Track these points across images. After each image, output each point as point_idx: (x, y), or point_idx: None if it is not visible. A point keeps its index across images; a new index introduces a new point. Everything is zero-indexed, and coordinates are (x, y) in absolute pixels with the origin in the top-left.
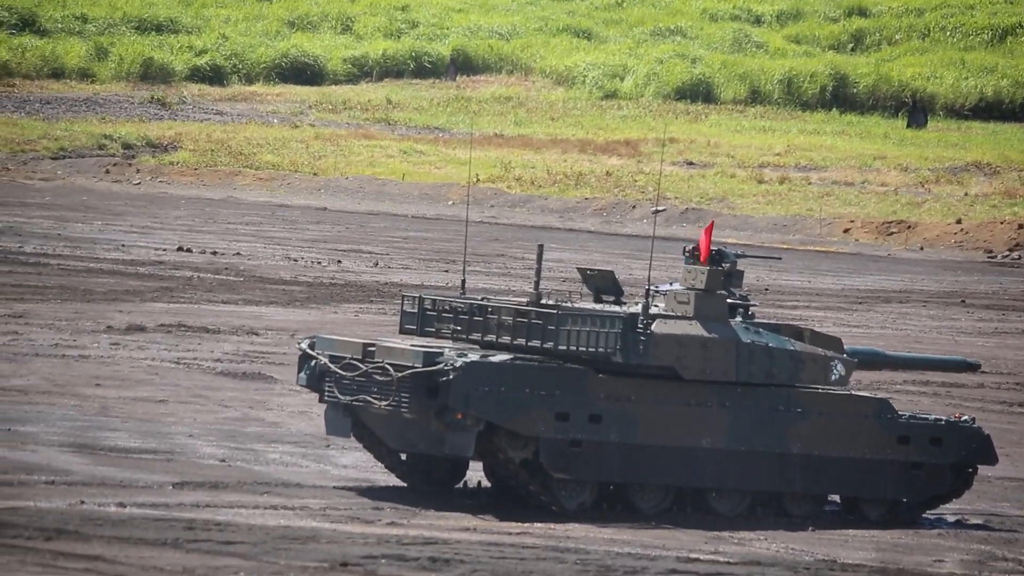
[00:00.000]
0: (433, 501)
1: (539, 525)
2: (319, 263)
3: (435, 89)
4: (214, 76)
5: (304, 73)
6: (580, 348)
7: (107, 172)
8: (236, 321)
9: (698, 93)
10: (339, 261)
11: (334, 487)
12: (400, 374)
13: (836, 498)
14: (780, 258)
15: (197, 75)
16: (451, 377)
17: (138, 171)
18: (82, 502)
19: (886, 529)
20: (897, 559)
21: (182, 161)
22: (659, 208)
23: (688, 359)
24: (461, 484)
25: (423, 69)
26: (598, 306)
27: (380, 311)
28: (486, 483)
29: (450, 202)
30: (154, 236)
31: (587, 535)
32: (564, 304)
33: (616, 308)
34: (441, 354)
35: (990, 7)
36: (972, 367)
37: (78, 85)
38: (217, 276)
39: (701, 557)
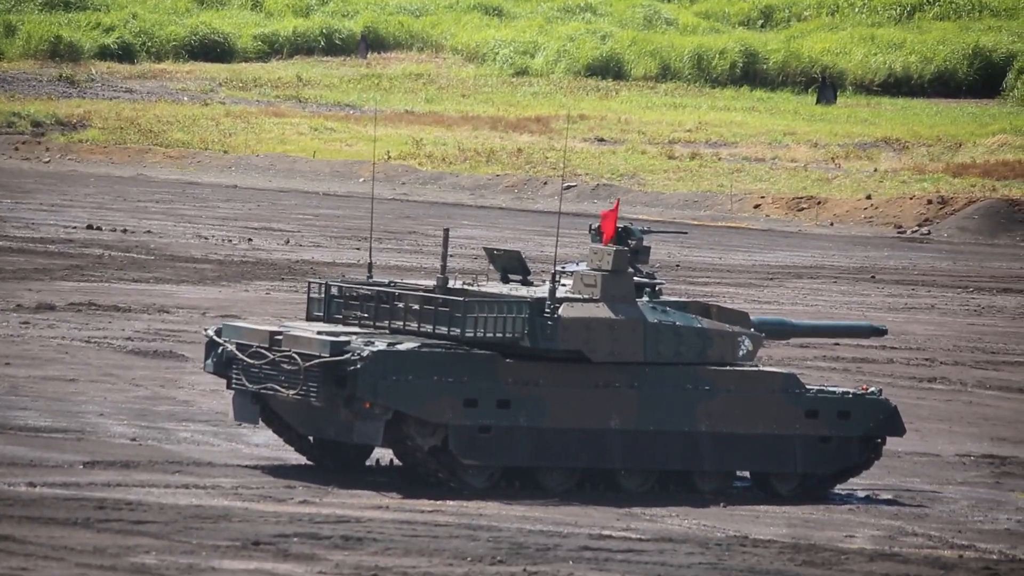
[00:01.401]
0: (345, 479)
1: (451, 503)
2: (230, 241)
3: (346, 67)
4: (123, 54)
5: (214, 51)
6: (488, 334)
7: (16, 150)
8: (147, 299)
9: (608, 70)
10: (250, 239)
11: (246, 466)
12: (307, 363)
13: (747, 473)
14: (686, 232)
15: (106, 53)
16: (358, 367)
17: (47, 149)
18: None
19: (797, 505)
20: (808, 534)
21: (91, 139)
22: (569, 184)
23: (596, 342)
24: (372, 462)
25: (334, 46)
26: (505, 290)
27: (291, 289)
28: (397, 461)
29: (361, 179)
30: (64, 214)
31: (499, 512)
32: (471, 289)
33: (523, 292)
34: (348, 343)
35: None
36: (879, 332)
37: None
38: (127, 254)
39: (613, 534)
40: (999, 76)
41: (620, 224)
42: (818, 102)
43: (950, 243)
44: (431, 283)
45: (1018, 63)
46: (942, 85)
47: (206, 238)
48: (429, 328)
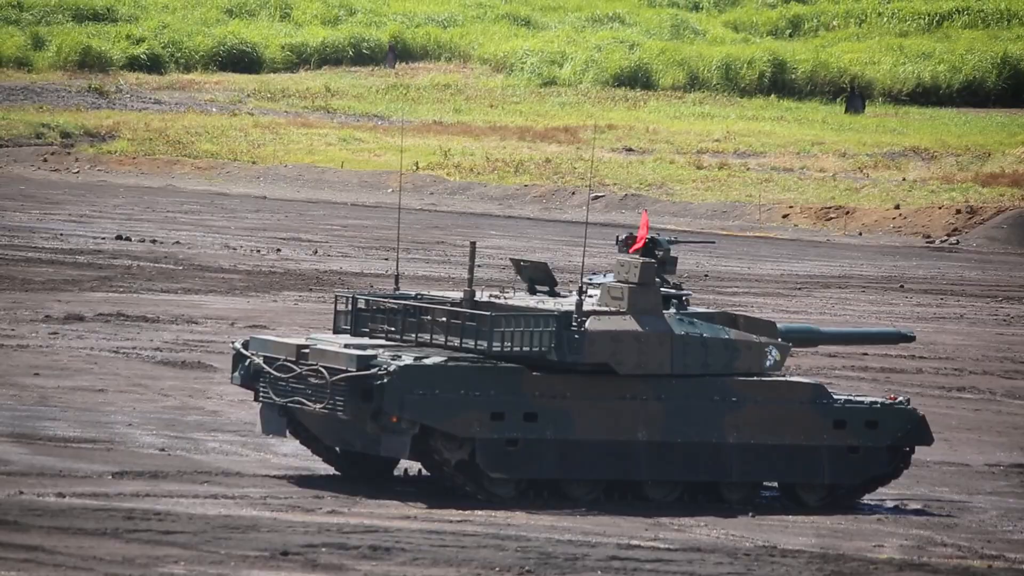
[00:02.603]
0: (373, 489)
1: (479, 513)
2: (258, 251)
3: (374, 77)
4: (152, 65)
5: (242, 61)
6: (515, 348)
7: (45, 161)
8: (175, 310)
9: (637, 80)
10: (278, 249)
11: (274, 476)
12: (334, 377)
13: (774, 484)
14: (714, 242)
15: (135, 64)
16: (385, 381)
17: (76, 160)
18: (21, 492)
19: (825, 515)
20: (837, 544)
21: (120, 150)
22: (597, 195)
23: (623, 354)
24: (400, 472)
25: (362, 56)
26: (532, 301)
27: (320, 299)
28: (425, 472)
29: (389, 189)
30: (93, 225)
31: (527, 523)
32: (498, 302)
33: (550, 304)
34: (375, 357)
35: None
36: (907, 338)
37: (15, 74)
38: (156, 265)
39: (641, 544)
40: None
41: (648, 235)
42: (846, 112)
43: (979, 252)
44: (459, 295)
45: None
46: (971, 94)
47: (234, 248)
48: (456, 342)
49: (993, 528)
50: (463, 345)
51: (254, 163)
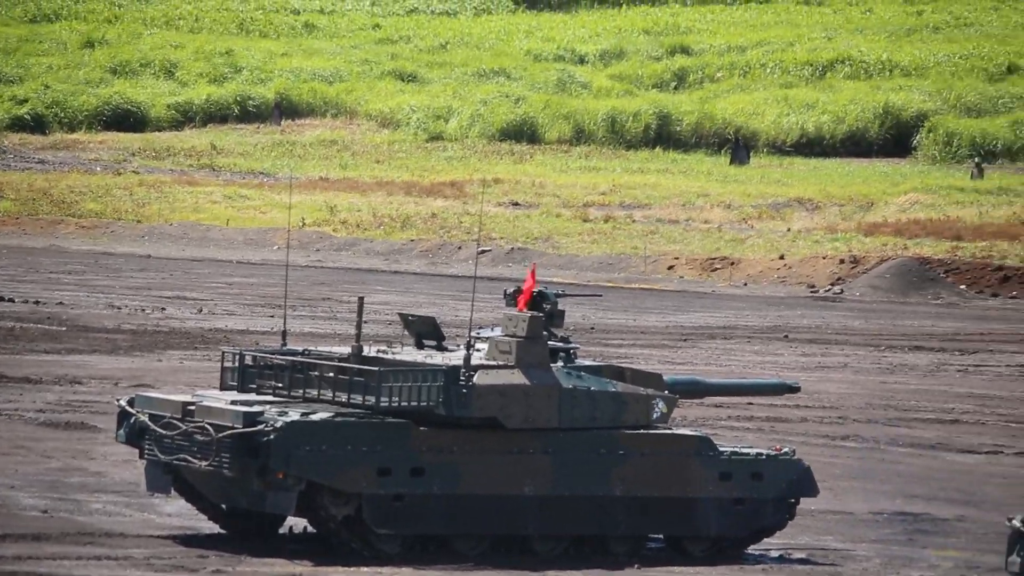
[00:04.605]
0: (258, 547)
1: (365, 569)
2: (143, 310)
3: (260, 134)
4: (35, 124)
5: (127, 120)
6: (403, 403)
7: None
8: (59, 370)
9: (523, 133)
10: (163, 308)
11: (158, 536)
12: (220, 434)
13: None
14: (601, 295)
15: (18, 124)
16: (271, 437)
17: None
18: None
19: (711, 565)
20: None
21: (3, 210)
22: (484, 249)
23: (511, 408)
24: (286, 530)
25: (248, 114)
26: (420, 356)
27: (205, 357)
28: (311, 529)
29: (275, 247)
30: None
31: None
32: (386, 357)
33: (439, 359)
34: (262, 413)
35: (809, 43)
36: (792, 389)
37: None
38: (39, 326)
39: None
40: (909, 135)
41: (535, 289)
42: (731, 163)
43: (862, 302)
44: (346, 351)
45: (928, 122)
46: (854, 144)
47: (119, 308)
48: (344, 398)
49: None
50: (351, 401)
51: (139, 222)
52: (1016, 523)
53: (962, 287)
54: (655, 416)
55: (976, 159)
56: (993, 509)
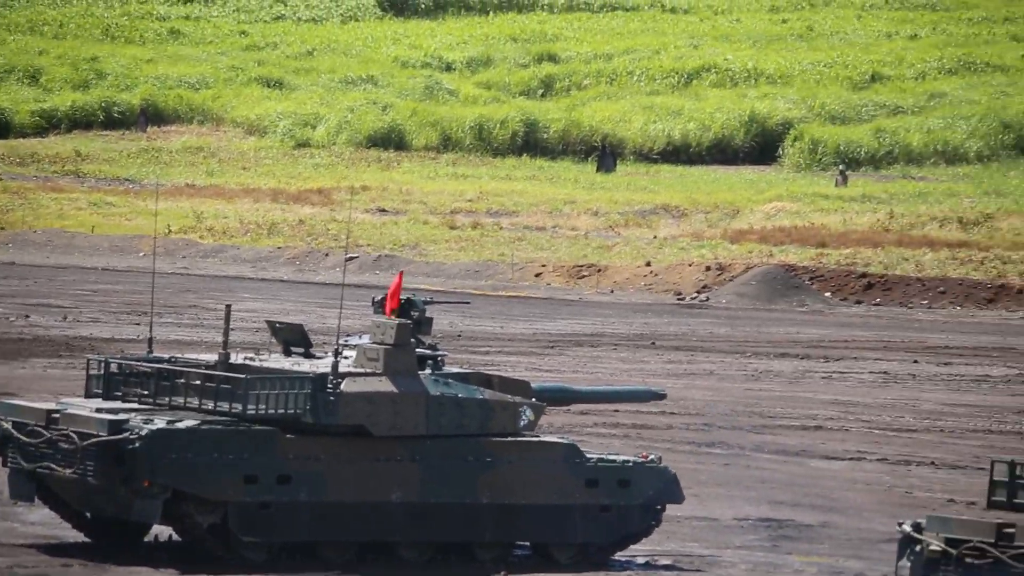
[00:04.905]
0: (123, 556)
1: None
2: (7, 318)
3: (125, 140)
4: None
5: None
6: (270, 411)
7: None
8: None
9: (390, 141)
10: (27, 315)
11: (21, 544)
12: (85, 442)
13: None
14: (469, 302)
15: None
16: (137, 445)
17: None
18: None
19: (577, 572)
20: None
21: None
22: (351, 256)
23: (378, 416)
24: (151, 538)
25: (113, 120)
26: (287, 363)
27: (70, 365)
28: (176, 537)
29: (141, 253)
30: None
31: None
32: (253, 365)
33: (306, 366)
34: (127, 421)
35: (675, 51)
36: (658, 396)
37: None
38: None
39: None
40: (775, 142)
41: (403, 296)
42: (598, 170)
43: (728, 309)
44: (213, 358)
45: (794, 130)
46: (720, 152)
47: None
48: (211, 405)
49: None
50: (217, 408)
51: (2, 228)
52: (907, 528)
53: (826, 294)
54: (522, 423)
55: (840, 167)
56: (856, 515)
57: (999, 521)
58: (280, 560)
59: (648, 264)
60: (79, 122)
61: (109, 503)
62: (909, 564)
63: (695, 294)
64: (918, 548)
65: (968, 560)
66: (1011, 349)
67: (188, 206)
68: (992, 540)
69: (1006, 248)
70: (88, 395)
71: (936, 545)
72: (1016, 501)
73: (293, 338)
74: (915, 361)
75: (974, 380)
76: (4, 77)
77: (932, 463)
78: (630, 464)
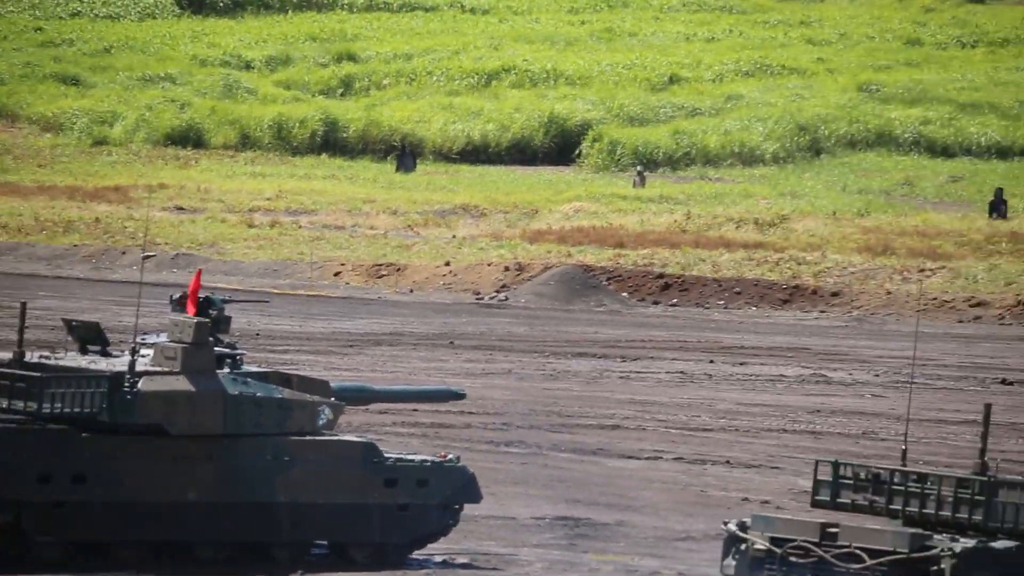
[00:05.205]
0: None
1: None
2: None
3: None
4: None
5: None
6: (66, 409)
7: None
8: None
9: (188, 139)
10: None
11: None
12: None
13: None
14: (268, 301)
15: None
16: None
17: None
18: None
19: (374, 571)
20: None
21: None
22: (149, 254)
23: (176, 415)
24: None
25: None
26: (84, 362)
27: None
28: None
29: None
30: None
31: None
32: (49, 363)
33: (103, 364)
34: None
35: (475, 52)
36: (457, 396)
37: None
38: None
39: None
40: (574, 144)
41: (201, 295)
42: (397, 170)
43: (527, 308)
44: (7, 356)
45: (592, 131)
46: (519, 152)
47: None
48: (5, 404)
49: None
50: (12, 407)
51: None
52: (732, 527)
53: (624, 294)
54: (321, 423)
55: (638, 167)
56: (652, 514)
57: (823, 521)
58: (75, 560)
59: (447, 264)
60: None
61: None
62: (734, 563)
63: (494, 294)
64: (743, 547)
65: (792, 559)
66: (805, 349)
67: None
68: (816, 539)
69: (801, 249)
70: None
71: (761, 544)
72: (840, 501)
73: (89, 336)
74: (711, 361)
75: (769, 380)
76: None
77: (727, 462)
78: (428, 464)
